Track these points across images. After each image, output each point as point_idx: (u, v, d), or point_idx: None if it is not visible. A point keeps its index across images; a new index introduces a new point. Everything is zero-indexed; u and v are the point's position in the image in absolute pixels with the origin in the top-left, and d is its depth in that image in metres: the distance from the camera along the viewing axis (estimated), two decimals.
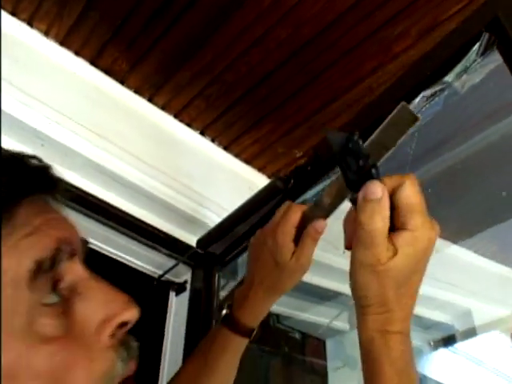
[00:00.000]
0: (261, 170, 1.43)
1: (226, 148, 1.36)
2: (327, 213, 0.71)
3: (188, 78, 1.19)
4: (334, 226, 0.97)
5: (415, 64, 0.83)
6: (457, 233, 1.29)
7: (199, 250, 1.17)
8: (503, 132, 0.92)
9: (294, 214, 0.71)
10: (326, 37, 1.10)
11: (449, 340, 1.61)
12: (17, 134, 1.05)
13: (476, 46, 0.72)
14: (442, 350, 1.68)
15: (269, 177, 1.45)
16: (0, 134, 0.98)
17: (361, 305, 0.54)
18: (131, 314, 0.44)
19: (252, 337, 0.77)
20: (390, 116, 0.57)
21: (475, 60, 0.74)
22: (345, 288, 1.32)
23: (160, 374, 1.21)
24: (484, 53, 0.72)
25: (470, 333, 1.48)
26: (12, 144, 1.05)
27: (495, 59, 0.72)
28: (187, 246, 1.24)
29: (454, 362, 1.70)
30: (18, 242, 0.40)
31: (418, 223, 0.50)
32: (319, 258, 1.34)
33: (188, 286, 1.27)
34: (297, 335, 1.51)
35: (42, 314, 0.40)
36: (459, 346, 1.69)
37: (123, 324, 0.44)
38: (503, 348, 1.73)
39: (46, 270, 0.41)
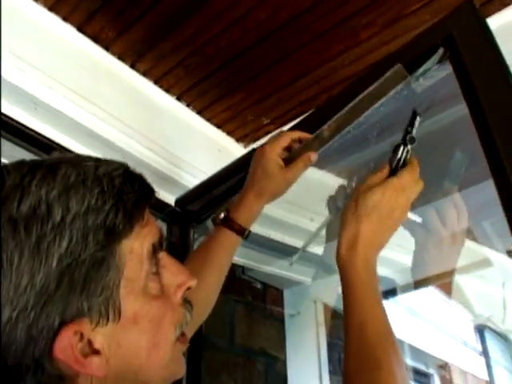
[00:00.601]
0: (230, 133, 1.54)
1: (199, 113, 1.47)
2: (323, 144, 0.99)
3: (170, 48, 1.28)
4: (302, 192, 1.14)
5: (380, 65, 0.96)
6: None
7: (177, 209, 1.29)
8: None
9: (282, 137, 1.01)
10: (301, 21, 1.21)
11: (390, 293, 1.80)
12: (12, 97, 1.12)
13: (434, 57, 0.87)
14: (384, 302, 1.87)
15: (237, 140, 1.57)
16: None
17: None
18: (193, 282, 0.64)
19: (245, 236, 1.00)
20: (386, 74, 0.91)
21: (431, 67, 0.88)
22: (301, 244, 1.48)
23: None
24: (439, 62, 0.87)
25: (409, 287, 1.67)
26: (7, 107, 1.12)
27: (448, 68, 0.87)
28: (164, 204, 1.35)
29: (394, 313, 1.91)
30: (140, 231, 0.58)
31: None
32: (282, 218, 1.50)
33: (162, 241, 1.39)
34: (258, 285, 1.67)
35: (151, 280, 0.59)
36: (399, 298, 1.89)
37: (188, 288, 0.64)
38: (438, 301, 1.96)
39: (156, 250, 0.59)
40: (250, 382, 1.43)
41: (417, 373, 2.19)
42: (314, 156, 0.99)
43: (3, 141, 1.11)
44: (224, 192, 1.25)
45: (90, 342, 0.54)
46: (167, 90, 1.40)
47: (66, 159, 0.58)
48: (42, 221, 0.52)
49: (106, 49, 1.29)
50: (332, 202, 1.07)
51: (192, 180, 1.38)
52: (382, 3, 1.17)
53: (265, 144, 1.02)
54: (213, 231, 1.03)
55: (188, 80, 1.37)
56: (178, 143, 1.40)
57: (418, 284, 1.26)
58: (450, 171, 0.99)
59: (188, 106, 1.44)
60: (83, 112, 1.20)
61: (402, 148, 0.85)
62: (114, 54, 1.30)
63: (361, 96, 0.95)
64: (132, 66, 1.34)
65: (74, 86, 1.20)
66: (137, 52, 1.30)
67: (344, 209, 0.85)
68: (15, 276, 0.50)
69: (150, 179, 1.32)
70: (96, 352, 0.55)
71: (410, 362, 2.08)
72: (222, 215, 1.01)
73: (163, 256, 0.63)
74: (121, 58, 1.31)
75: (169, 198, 1.38)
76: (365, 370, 0.70)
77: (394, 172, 0.84)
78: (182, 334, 0.65)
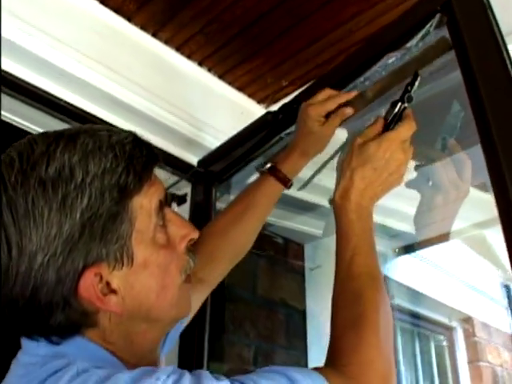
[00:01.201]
0: (251, 96, 1.60)
1: (220, 77, 1.53)
2: (366, 104, 1.07)
3: (189, 17, 1.34)
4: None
5: (383, 30, 1.00)
6: None
7: (200, 169, 1.38)
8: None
9: (328, 102, 1.04)
10: None
11: (411, 247, 1.85)
12: (38, 68, 1.21)
13: (432, 22, 0.91)
14: (405, 256, 1.94)
15: (258, 102, 1.63)
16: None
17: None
18: (196, 234, 0.74)
19: (288, 186, 1.09)
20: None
21: (429, 31, 0.92)
22: (322, 201, 1.54)
23: None
24: (437, 27, 0.91)
25: (431, 242, 1.72)
26: (33, 77, 1.21)
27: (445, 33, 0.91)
28: (189, 165, 1.44)
29: (418, 266, 1.97)
30: (149, 189, 0.67)
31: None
32: (302, 176, 1.56)
33: (188, 199, 1.49)
34: (280, 240, 1.76)
35: (158, 231, 0.69)
36: (424, 252, 1.95)
37: (191, 239, 0.74)
38: (465, 256, 2.00)
39: (162, 205, 0.69)
40: (271, 331, 1.53)
41: (439, 325, 2.24)
42: (348, 110, 1.04)
43: (33, 108, 1.21)
44: (245, 153, 1.32)
45: (108, 284, 0.65)
46: (189, 57, 1.47)
47: (84, 129, 0.68)
48: (66, 181, 0.62)
49: (129, 20, 1.36)
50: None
51: (215, 142, 1.46)
52: None
53: (310, 104, 1.06)
54: (257, 179, 1.12)
55: (208, 47, 1.43)
56: (200, 107, 1.47)
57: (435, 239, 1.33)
58: (448, 123, 1.04)
59: (209, 70, 1.51)
60: (107, 80, 1.28)
61: (399, 104, 0.90)
62: (136, 24, 1.37)
63: (406, 61, 1.01)
64: (154, 35, 1.41)
65: (98, 56, 1.28)
66: (158, 22, 1.36)
67: (342, 160, 0.91)
68: (46, 227, 0.61)
69: (174, 142, 1.42)
70: (113, 292, 0.65)
71: (432, 314, 2.14)
72: (269, 165, 1.10)
73: (169, 211, 0.72)
74: (143, 27, 1.38)
75: (193, 159, 1.47)
76: (349, 305, 0.79)
77: (388, 127, 0.89)
78: (188, 276, 0.75)
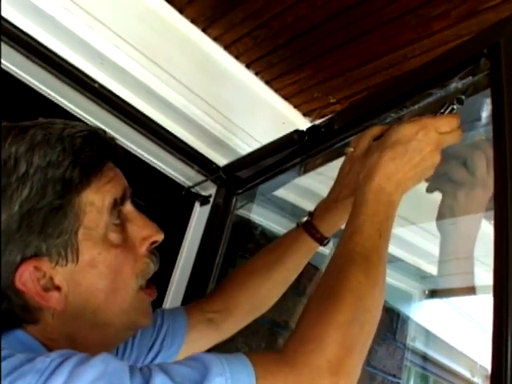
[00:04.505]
0: (296, 107, 1.54)
1: (267, 82, 1.48)
2: None
3: (240, 18, 1.30)
4: None
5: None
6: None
7: (223, 174, 1.34)
8: None
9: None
10: (370, 3, 1.18)
11: (441, 292, 1.73)
12: (81, 52, 1.21)
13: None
14: (434, 300, 1.82)
15: (304, 115, 1.57)
16: None
17: None
18: (159, 237, 0.72)
19: (324, 244, 0.98)
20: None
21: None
22: None
23: (173, 274, 1.44)
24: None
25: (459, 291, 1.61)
26: (77, 60, 1.22)
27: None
28: (217, 167, 1.41)
29: (444, 312, 1.85)
30: (103, 186, 0.66)
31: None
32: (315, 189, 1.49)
33: (211, 200, 1.46)
34: None
35: (112, 230, 0.67)
36: (453, 299, 1.82)
37: (154, 242, 0.71)
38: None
39: (117, 204, 0.68)
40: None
41: (461, 378, 2.11)
42: None
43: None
44: (271, 165, 1.28)
45: (51, 279, 0.64)
46: (237, 58, 1.43)
47: (40, 123, 0.68)
48: (9, 173, 0.62)
49: (180, 11, 1.34)
50: None
51: (247, 149, 1.42)
52: None
53: (359, 154, 0.91)
54: (293, 230, 1.01)
55: (256, 50, 1.38)
56: (240, 111, 1.43)
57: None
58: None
59: (256, 74, 1.46)
60: (145, 71, 1.26)
61: (446, 105, 0.83)
62: (187, 17, 1.35)
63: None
64: (204, 31, 1.38)
65: (141, 44, 1.26)
66: (209, 17, 1.33)
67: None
68: None
69: (205, 142, 1.39)
70: (57, 288, 0.64)
71: (454, 365, 2.01)
72: (305, 219, 0.99)
73: (131, 211, 0.71)
74: (193, 21, 1.36)
75: (222, 162, 1.44)
76: (327, 281, 0.69)
77: None
78: (149, 286, 0.73)
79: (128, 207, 0.71)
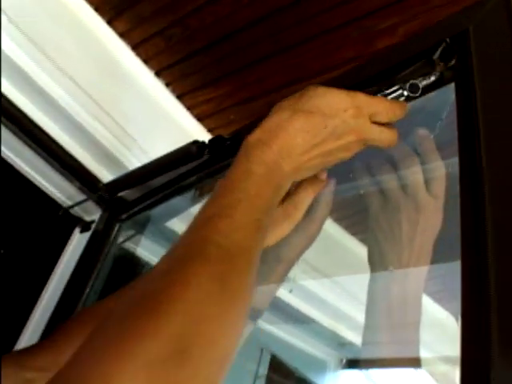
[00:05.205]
0: (210, 131, 1.33)
1: (179, 97, 1.26)
2: None
3: (150, 11, 1.09)
4: None
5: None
6: None
7: (104, 195, 1.09)
8: None
9: None
10: (305, 8, 1.00)
11: (361, 363, 1.53)
12: None
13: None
14: (352, 371, 1.61)
15: None
16: None
17: None
18: None
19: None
20: None
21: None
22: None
23: (35, 307, 1.16)
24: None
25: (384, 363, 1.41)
26: None
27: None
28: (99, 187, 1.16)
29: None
30: None
31: None
32: None
33: (93, 226, 1.20)
34: None
35: None
36: (373, 371, 1.61)
37: None
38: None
39: None
40: None
41: None
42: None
43: None
44: (165, 184, 1.04)
45: None
46: (145, 61, 1.21)
47: None
48: None
49: None
50: None
51: None
52: (407, 8, 0.95)
53: None
54: None
55: (168, 55, 1.17)
56: (140, 123, 1.20)
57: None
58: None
59: (167, 85, 1.24)
60: (32, 62, 1.03)
61: (395, 87, 0.61)
62: (90, 3, 1.13)
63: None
64: (109, 23, 1.16)
65: (26, 26, 1.03)
66: (114, 7, 1.12)
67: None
68: None
69: (93, 154, 1.14)
70: None
71: None
72: None
73: None
74: (98, 9, 1.14)
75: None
76: (152, 278, 0.43)
77: None
78: None
79: None
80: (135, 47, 1.18)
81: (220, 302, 0.39)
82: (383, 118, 0.57)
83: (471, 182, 0.49)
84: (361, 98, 0.56)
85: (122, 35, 1.17)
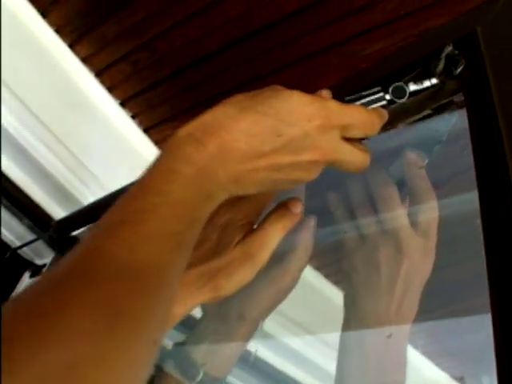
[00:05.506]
0: None
1: (145, 131, 1.16)
2: None
3: (114, 33, 1.00)
4: None
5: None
6: None
7: (53, 234, 0.96)
8: None
9: None
10: (282, 30, 0.91)
11: None
12: None
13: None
14: None
15: None
16: None
17: None
18: None
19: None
20: None
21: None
22: None
23: None
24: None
25: None
26: None
27: None
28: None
29: None
30: None
31: None
32: None
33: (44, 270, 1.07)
34: None
35: None
36: None
37: None
38: None
39: None
40: None
41: None
42: None
43: None
44: None
45: None
46: (109, 90, 1.11)
47: None
48: None
49: (43, 15, 1.02)
50: None
51: None
52: (394, 31, 0.86)
53: None
54: None
55: (135, 82, 1.07)
56: (101, 157, 1.09)
57: None
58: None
59: (133, 118, 1.14)
60: None
61: (377, 89, 0.50)
62: (51, 24, 1.03)
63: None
64: (71, 47, 1.06)
65: None
66: (76, 29, 1.02)
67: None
68: None
69: (44, 188, 1.02)
70: None
71: None
72: None
73: None
74: (58, 31, 1.04)
75: None
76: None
77: None
78: None
79: None
80: (99, 74, 1.08)
81: (105, 339, 0.27)
82: (358, 133, 0.45)
83: (497, 224, 0.38)
84: (331, 106, 0.44)
85: (84, 60, 1.07)
